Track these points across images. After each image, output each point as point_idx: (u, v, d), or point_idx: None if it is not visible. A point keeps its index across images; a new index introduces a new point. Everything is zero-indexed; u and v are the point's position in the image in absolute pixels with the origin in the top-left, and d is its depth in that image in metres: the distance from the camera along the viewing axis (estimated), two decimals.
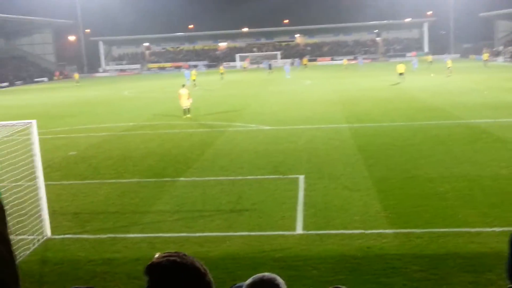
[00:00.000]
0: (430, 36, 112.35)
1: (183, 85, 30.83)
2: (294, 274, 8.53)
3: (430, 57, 78.90)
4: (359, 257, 9.09)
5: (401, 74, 47.00)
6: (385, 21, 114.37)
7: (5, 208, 1.02)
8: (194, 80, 55.40)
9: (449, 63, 54.03)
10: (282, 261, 9.09)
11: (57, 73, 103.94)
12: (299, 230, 10.59)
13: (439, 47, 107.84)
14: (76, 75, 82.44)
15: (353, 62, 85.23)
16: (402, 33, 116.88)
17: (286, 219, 11.20)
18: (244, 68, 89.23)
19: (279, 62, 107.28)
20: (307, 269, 8.70)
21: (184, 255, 2.02)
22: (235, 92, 46.43)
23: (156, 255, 7.87)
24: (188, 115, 28.68)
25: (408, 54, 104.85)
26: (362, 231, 10.25)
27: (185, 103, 28.93)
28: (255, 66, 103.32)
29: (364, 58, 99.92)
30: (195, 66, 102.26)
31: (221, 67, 74.52)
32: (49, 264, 9.46)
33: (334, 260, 9.00)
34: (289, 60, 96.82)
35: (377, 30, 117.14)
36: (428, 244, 9.46)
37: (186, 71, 65.51)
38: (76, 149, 20.82)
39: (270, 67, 77.06)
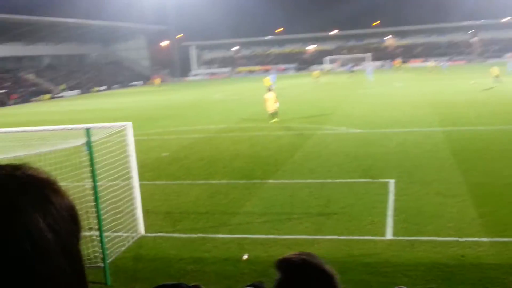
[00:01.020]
0: None
1: (269, 89, 30.28)
2: (383, 280, 8.34)
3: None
4: (453, 265, 8.75)
5: (496, 77, 44.82)
6: (481, 21, 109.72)
7: (79, 220, 1.02)
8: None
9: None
10: (371, 266, 8.91)
11: (155, 77, 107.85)
12: (389, 235, 10.35)
13: None
14: (157, 80, 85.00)
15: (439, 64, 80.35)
16: (500, 33, 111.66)
17: (375, 224, 10.98)
18: (317, 78, 68.87)
19: (369, 64, 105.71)
20: (397, 276, 8.47)
21: (315, 255, 2.07)
22: (324, 94, 46.18)
23: (245, 256, 7.96)
24: (276, 119, 28.24)
25: (507, 55, 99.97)
26: (456, 238, 9.86)
27: (272, 106, 28.45)
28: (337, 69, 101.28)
29: (454, 60, 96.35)
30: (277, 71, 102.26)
31: (317, 71, 72.76)
32: (142, 261, 9.79)
33: (426, 268, 8.71)
34: (372, 63, 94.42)
35: (473, 30, 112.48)
36: None
37: (271, 75, 63.77)
38: (169, 150, 21.47)
39: (350, 69, 75.85)
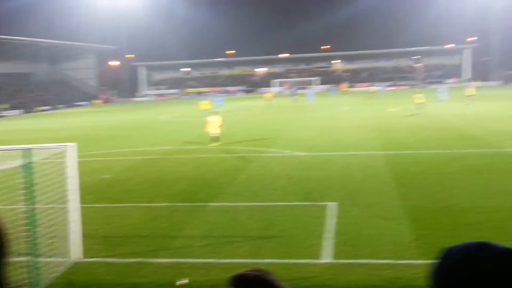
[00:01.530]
0: (471, 62, 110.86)
1: (216, 112, 29.57)
2: None
3: (475, 84, 75.82)
4: (388, 287, 8.89)
5: (419, 104, 44.66)
6: (424, 47, 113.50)
7: (6, 245, 0.98)
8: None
9: (471, 91, 51.43)
10: None
11: (102, 96, 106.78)
12: (327, 258, 10.43)
13: (480, 74, 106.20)
14: (98, 102, 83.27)
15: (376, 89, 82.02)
16: (442, 59, 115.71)
17: (315, 247, 11.06)
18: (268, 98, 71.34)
19: (317, 88, 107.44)
20: None
21: (268, 272, 2.10)
22: (271, 117, 46.55)
23: (182, 281, 7.84)
24: (218, 143, 27.64)
25: (448, 81, 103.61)
26: (392, 261, 10.03)
27: (215, 130, 27.87)
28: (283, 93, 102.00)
29: (398, 85, 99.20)
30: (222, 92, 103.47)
31: (269, 93, 71.56)
32: (75, 287, 9.53)
33: None
34: (314, 87, 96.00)
35: (417, 56, 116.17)
36: None
37: (217, 98, 62.42)
38: (111, 172, 21.12)
39: (294, 93, 77.11)
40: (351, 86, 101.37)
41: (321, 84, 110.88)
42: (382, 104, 57.02)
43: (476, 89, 54.63)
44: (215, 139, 27.99)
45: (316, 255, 10.60)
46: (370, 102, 60.90)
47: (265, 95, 66.75)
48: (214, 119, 28.25)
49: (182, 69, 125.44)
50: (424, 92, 54.47)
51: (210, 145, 27.71)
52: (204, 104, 47.60)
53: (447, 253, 1.71)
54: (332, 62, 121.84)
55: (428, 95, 52.84)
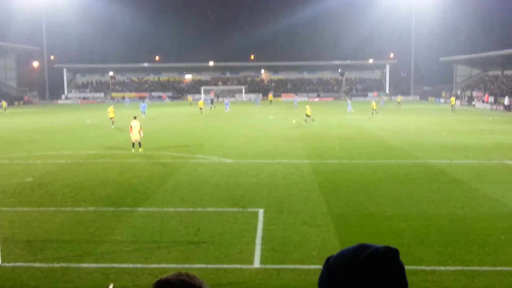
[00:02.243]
0: (391, 77, 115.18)
1: (135, 117, 28.89)
2: None
3: (400, 98, 79.98)
4: None
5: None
6: (348, 61, 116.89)
7: None
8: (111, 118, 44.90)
9: (374, 105, 56.45)
10: None
11: (26, 97, 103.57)
12: (256, 264, 10.54)
13: (399, 89, 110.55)
14: (4, 103, 77.02)
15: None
16: (364, 74, 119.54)
17: (243, 253, 11.14)
18: (190, 103, 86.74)
19: (242, 97, 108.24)
20: None
21: (194, 276, 2.02)
22: (198, 124, 46.43)
23: (110, 287, 7.67)
24: (140, 149, 27.20)
25: (370, 94, 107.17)
26: (319, 266, 10.24)
27: (136, 136, 27.19)
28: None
29: (322, 96, 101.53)
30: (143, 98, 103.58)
31: (189, 97, 75.05)
32: None
33: None
34: (229, 98, 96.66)
35: (340, 70, 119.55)
36: None
37: (142, 104, 60.95)
38: (33, 175, 20.40)
39: (212, 102, 77.93)
40: (276, 96, 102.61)
41: (247, 93, 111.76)
42: (323, 114, 58.15)
43: (377, 104, 59.42)
44: (136, 145, 27.48)
45: (246, 261, 10.68)
46: (293, 112, 61.99)
47: (199, 102, 66.30)
48: (134, 124, 27.41)
49: (109, 73, 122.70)
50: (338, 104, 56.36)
51: (133, 151, 27.20)
52: (111, 111, 45.14)
53: (328, 261, 1.83)
54: (261, 71, 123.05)
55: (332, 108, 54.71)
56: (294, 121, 45.65)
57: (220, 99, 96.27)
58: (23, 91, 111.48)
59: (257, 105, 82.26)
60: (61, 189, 17.82)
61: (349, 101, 65.12)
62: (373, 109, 55.25)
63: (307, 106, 46.89)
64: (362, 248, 1.76)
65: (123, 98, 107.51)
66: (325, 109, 69.07)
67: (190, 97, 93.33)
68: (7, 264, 10.45)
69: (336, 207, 15.04)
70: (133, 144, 27.51)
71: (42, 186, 18.30)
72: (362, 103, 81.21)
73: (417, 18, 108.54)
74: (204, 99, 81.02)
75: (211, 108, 71.86)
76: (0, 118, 58.36)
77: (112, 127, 42.78)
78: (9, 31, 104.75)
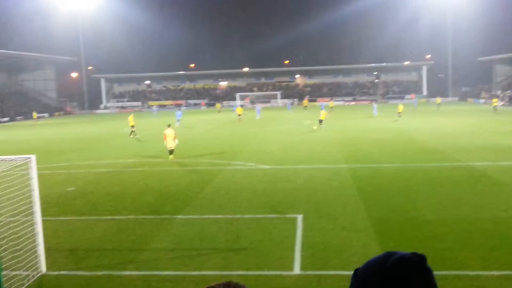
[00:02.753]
0: (428, 79, 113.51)
1: (169, 125, 29.03)
2: None
3: (439, 99, 78.30)
4: None
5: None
6: (384, 64, 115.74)
7: None
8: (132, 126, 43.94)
9: (400, 108, 55.43)
10: None
11: (69, 108, 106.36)
12: (296, 270, 10.49)
13: (437, 90, 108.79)
14: (35, 114, 77.65)
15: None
16: (401, 76, 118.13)
17: (283, 259, 11.11)
18: (218, 110, 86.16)
19: (278, 102, 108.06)
20: None
21: (239, 284, 2.04)
22: (234, 131, 46.59)
23: None
24: (170, 157, 27.31)
25: (407, 96, 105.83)
26: None
27: (170, 143, 27.40)
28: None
29: (358, 100, 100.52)
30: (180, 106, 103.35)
31: (217, 104, 74.81)
32: None
33: None
34: (261, 104, 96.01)
35: (376, 72, 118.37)
36: None
37: (178, 112, 61.15)
38: (75, 185, 20.78)
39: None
40: (310, 101, 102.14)
41: (283, 98, 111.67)
42: (360, 118, 57.80)
43: (403, 107, 57.95)
44: (171, 152, 27.57)
45: (286, 267, 10.65)
46: (343, 116, 61.66)
47: (237, 108, 64.51)
48: (168, 132, 27.65)
49: (145, 82, 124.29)
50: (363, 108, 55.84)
51: (170, 159, 27.30)
52: (131, 119, 44.16)
53: (355, 272, 1.81)
54: (295, 76, 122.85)
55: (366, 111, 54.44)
56: (307, 122, 45.34)
57: (252, 105, 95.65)
58: (63, 102, 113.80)
59: (289, 110, 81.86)
60: (102, 198, 18.11)
61: (375, 105, 64.90)
62: (398, 112, 54.58)
63: (322, 111, 46.93)
64: (389, 256, 1.75)
65: (150, 106, 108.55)
66: (360, 112, 68.46)
67: (218, 104, 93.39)
68: (51, 273, 10.65)
69: (375, 212, 14.87)
70: (169, 151, 27.62)
71: (84, 195, 18.63)
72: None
73: (453, 17, 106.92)
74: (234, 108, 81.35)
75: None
76: (32, 130, 59.57)
77: (130, 136, 42.14)
78: (48, 43, 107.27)
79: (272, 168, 23.75)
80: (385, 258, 1.74)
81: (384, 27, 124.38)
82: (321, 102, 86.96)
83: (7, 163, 11.22)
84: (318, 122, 45.67)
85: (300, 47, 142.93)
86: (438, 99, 78.23)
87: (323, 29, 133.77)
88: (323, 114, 45.97)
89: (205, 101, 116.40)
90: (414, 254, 1.75)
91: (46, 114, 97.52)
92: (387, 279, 1.69)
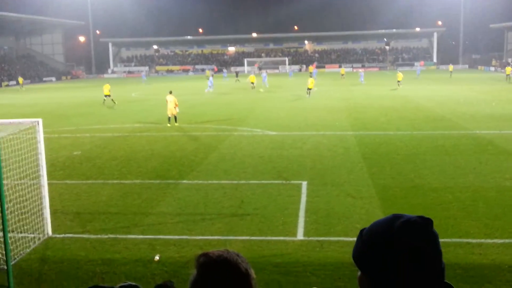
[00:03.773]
0: (439, 46, 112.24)
1: (170, 92, 28.46)
2: (293, 279, 8.52)
3: (451, 67, 77.66)
4: None
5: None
6: (394, 30, 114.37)
7: None
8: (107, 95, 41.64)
9: (399, 76, 53.58)
10: (281, 266, 9.06)
11: (79, 71, 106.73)
12: (300, 236, 10.56)
13: (447, 57, 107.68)
14: (20, 79, 75.34)
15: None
16: (411, 42, 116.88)
17: (287, 225, 11.18)
18: (207, 77, 71.68)
19: (286, 68, 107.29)
20: (306, 275, 8.67)
21: (235, 253, 2.05)
22: (240, 97, 46.45)
23: (157, 257, 7.81)
24: (176, 124, 27.20)
25: (416, 64, 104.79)
26: None
27: (172, 110, 27.28)
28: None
29: (367, 67, 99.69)
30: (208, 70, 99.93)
31: (207, 71, 76.57)
32: (48, 263, 9.47)
33: (334, 267, 8.96)
34: (267, 71, 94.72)
35: (386, 39, 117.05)
36: None
37: (210, 78, 56.61)
38: (81, 148, 20.89)
39: (237, 75, 77.54)
40: (318, 67, 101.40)
41: (291, 64, 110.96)
42: (368, 85, 57.46)
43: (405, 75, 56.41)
44: (173, 119, 27.50)
45: (289, 233, 10.72)
46: (339, 83, 61.30)
47: (250, 76, 58.95)
48: (169, 99, 27.59)
49: (154, 47, 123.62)
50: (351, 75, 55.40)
51: (168, 125, 27.16)
52: (106, 87, 41.98)
53: (361, 233, 1.83)
54: (304, 42, 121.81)
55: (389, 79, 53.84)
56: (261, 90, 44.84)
57: (259, 71, 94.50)
58: (70, 66, 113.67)
59: (290, 77, 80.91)
60: (108, 162, 18.20)
61: (362, 73, 64.72)
62: (398, 81, 52.71)
63: (311, 79, 45.25)
64: (395, 218, 1.76)
65: (157, 71, 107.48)
66: (369, 80, 68.01)
67: (208, 71, 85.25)
68: (57, 235, 10.78)
69: (380, 179, 14.88)
70: (169, 118, 27.51)
71: (90, 159, 18.73)
72: (408, 72, 79.24)
73: None
74: (237, 72, 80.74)
75: (235, 81, 70.77)
76: (18, 94, 59.50)
77: (104, 103, 40.71)
78: (56, 7, 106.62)
79: (279, 134, 23.74)
80: (392, 220, 1.75)
81: None
82: (314, 69, 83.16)
83: (14, 126, 11.26)
84: (307, 90, 43.97)
85: (309, 13, 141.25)
86: (451, 67, 77.42)
87: None
88: (311, 82, 44.33)
89: (213, 66, 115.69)
90: (421, 217, 1.75)
91: (53, 78, 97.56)
92: (394, 241, 1.70)
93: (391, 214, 1.79)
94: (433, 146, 19.83)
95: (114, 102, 40.57)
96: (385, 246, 1.71)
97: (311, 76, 50.79)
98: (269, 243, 10.19)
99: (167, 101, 27.75)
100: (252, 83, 56.65)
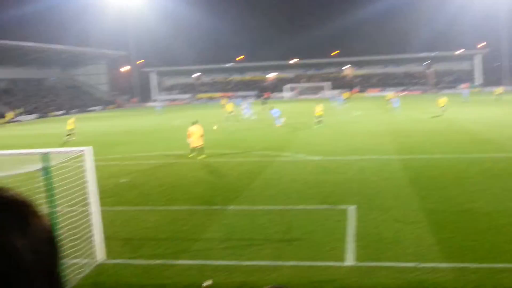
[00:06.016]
0: (483, 67, 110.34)
1: (195, 121, 26.82)
2: None
3: (500, 89, 72.65)
4: None
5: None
6: (435, 53, 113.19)
7: (57, 243, 0.97)
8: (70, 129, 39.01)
9: (442, 102, 48.32)
10: None
11: (134, 100, 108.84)
12: (349, 261, 10.44)
13: (492, 79, 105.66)
14: (9, 115, 73.62)
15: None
16: (453, 65, 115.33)
17: (336, 250, 11.07)
18: (222, 106, 65.61)
19: (327, 93, 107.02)
20: None
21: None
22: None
23: (207, 283, 7.86)
24: (203, 156, 25.42)
25: (460, 86, 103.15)
26: (415, 264, 10.01)
27: (197, 141, 25.53)
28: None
29: (410, 90, 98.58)
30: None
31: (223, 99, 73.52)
32: None
33: None
34: (324, 92, 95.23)
35: (427, 62, 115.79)
36: (485, 279, 9.16)
37: (274, 109, 46.03)
38: (128, 176, 21.24)
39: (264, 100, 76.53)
40: (361, 91, 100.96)
41: (332, 89, 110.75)
42: (411, 109, 56.86)
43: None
44: (196, 150, 25.87)
45: (339, 258, 10.61)
46: (384, 108, 60.64)
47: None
48: (194, 129, 25.88)
49: (193, 75, 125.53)
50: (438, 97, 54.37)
51: (190, 156, 25.91)
52: (70, 122, 39.20)
53: None
54: (343, 67, 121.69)
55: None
56: (214, 127, 40.40)
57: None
58: (115, 95, 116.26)
59: (330, 101, 75.07)
60: (154, 189, 18.44)
61: (396, 99, 57.57)
62: (441, 106, 47.47)
63: (317, 107, 41.23)
64: None
65: (198, 99, 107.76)
66: (411, 103, 67.25)
67: (225, 99, 79.79)
68: (109, 261, 10.94)
69: (429, 203, 14.62)
70: (192, 149, 25.97)
71: (137, 186, 19.02)
72: (451, 95, 78.00)
73: (506, 3, 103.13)
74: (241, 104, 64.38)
75: (264, 108, 64.18)
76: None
77: (65, 139, 37.29)
78: (99, 38, 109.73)
79: (323, 159, 23.64)
80: None
81: (435, 15, 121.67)
82: (334, 95, 77.27)
83: (64, 155, 11.55)
84: (315, 118, 40.51)
85: (348, 37, 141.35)
86: (501, 89, 72.54)
87: (372, 18, 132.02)
88: (319, 110, 40.74)
89: (255, 93, 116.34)
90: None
91: (98, 107, 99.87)
92: None
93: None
94: (482, 169, 19.40)
95: (70, 137, 37.92)
96: None
97: (335, 102, 46.54)
98: (318, 269, 10.10)
99: (189, 133, 25.91)
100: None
